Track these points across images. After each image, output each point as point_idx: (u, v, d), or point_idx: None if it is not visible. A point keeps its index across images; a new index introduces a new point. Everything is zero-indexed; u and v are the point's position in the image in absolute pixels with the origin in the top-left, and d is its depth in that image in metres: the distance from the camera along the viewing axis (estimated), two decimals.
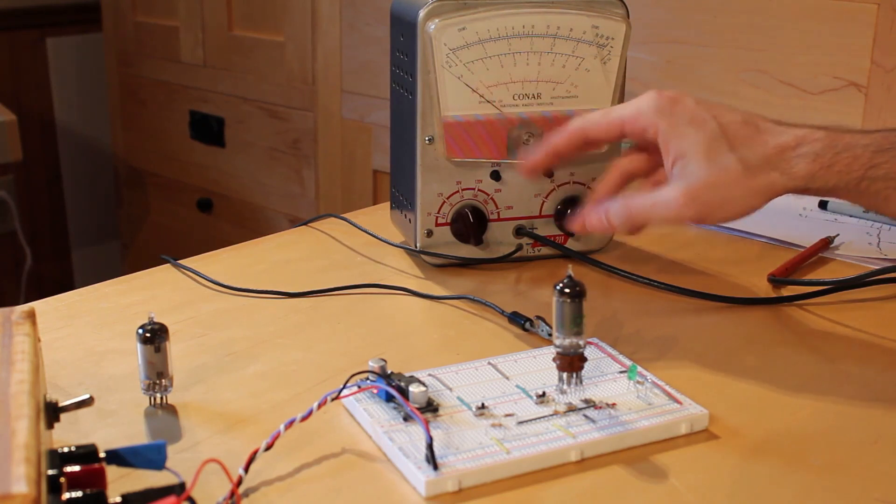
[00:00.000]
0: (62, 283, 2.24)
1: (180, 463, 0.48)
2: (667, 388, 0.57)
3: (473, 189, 0.78)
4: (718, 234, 0.89)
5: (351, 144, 1.55)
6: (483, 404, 0.55)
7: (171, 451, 0.51)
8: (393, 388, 0.54)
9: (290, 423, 0.51)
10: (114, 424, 0.55)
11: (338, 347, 0.65)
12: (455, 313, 0.72)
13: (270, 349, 0.65)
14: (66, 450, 0.44)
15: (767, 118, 0.64)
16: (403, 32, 0.78)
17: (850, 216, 0.92)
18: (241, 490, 0.48)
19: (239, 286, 0.74)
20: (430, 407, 0.55)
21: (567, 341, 0.54)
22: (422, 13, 0.74)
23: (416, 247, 0.79)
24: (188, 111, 1.84)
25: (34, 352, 0.48)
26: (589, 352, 0.57)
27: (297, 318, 0.70)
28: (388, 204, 0.88)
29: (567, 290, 0.53)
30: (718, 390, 0.60)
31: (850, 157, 0.61)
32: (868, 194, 0.61)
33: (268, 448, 0.50)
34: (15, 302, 1.09)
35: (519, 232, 0.80)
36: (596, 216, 0.66)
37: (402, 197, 0.82)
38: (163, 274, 0.78)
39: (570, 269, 0.54)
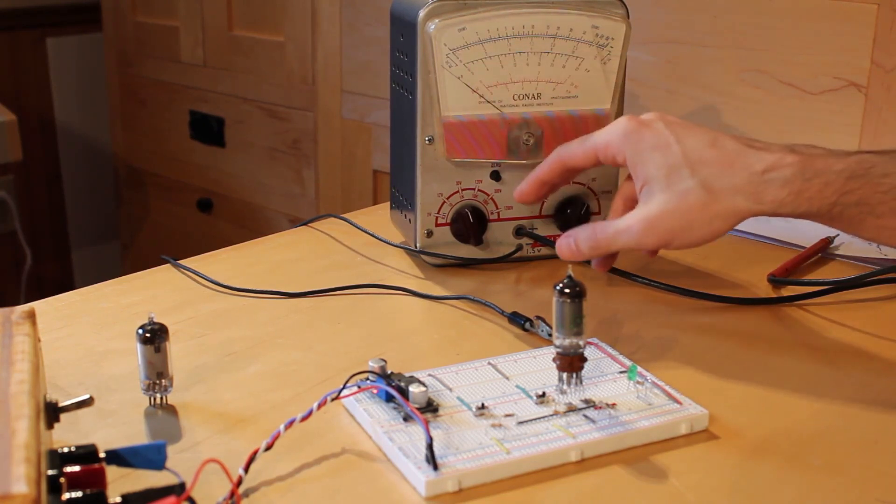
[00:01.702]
0: (62, 283, 2.24)
1: (180, 463, 0.48)
2: (667, 388, 0.57)
3: (473, 189, 0.78)
4: None
5: (351, 144, 1.55)
6: (483, 404, 0.55)
7: (171, 451, 0.51)
8: (393, 388, 0.54)
9: (290, 423, 0.51)
10: (114, 424, 0.55)
11: (338, 347, 0.65)
12: (455, 313, 0.72)
13: (270, 349, 0.65)
14: (66, 450, 0.44)
15: (741, 139, 0.63)
16: (403, 32, 0.78)
17: None
18: (241, 490, 0.48)
19: (239, 286, 0.74)
20: (430, 407, 0.55)
21: (567, 341, 0.54)
22: (422, 13, 0.74)
23: (416, 247, 0.79)
24: (188, 111, 1.83)
25: (34, 352, 0.48)
26: (589, 352, 0.57)
27: (297, 318, 0.70)
28: (388, 204, 0.88)
29: (567, 290, 0.53)
30: (718, 390, 0.60)
31: (821, 183, 0.59)
32: (841, 219, 0.60)
33: (268, 448, 0.50)
34: (15, 302, 1.09)
35: (519, 232, 0.80)
36: (566, 243, 0.66)
37: (402, 197, 0.82)
38: (163, 274, 0.78)
39: (570, 269, 0.54)
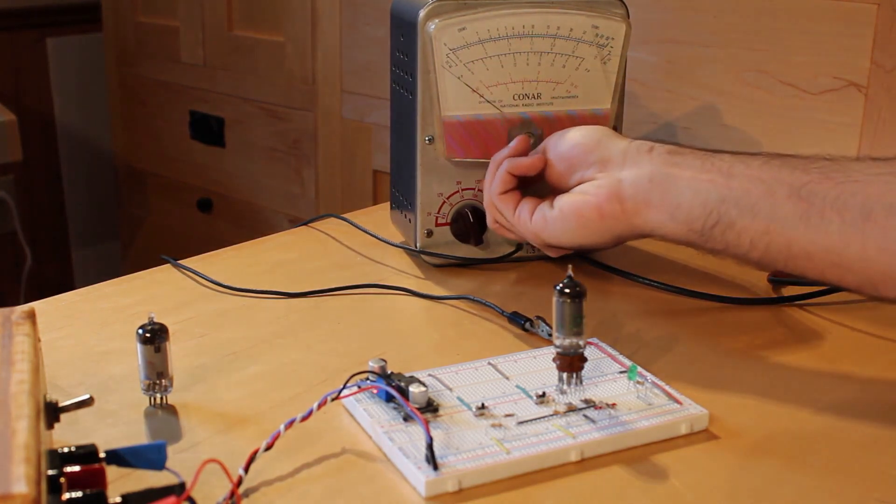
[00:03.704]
0: (62, 283, 2.24)
1: (180, 463, 0.48)
2: (667, 388, 0.57)
3: (473, 189, 0.78)
4: None
5: (351, 144, 1.55)
6: (483, 404, 0.55)
7: (171, 451, 0.51)
8: (393, 388, 0.54)
9: (290, 423, 0.51)
10: (114, 424, 0.55)
11: (338, 347, 0.65)
12: (455, 313, 0.72)
13: (270, 349, 0.65)
14: (66, 450, 0.44)
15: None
16: (403, 32, 0.78)
17: None
18: (241, 490, 0.48)
19: (239, 286, 0.74)
20: (430, 407, 0.55)
21: (567, 341, 0.54)
22: (422, 13, 0.74)
23: (416, 247, 0.79)
24: (188, 111, 1.83)
25: (34, 352, 0.48)
26: (589, 352, 0.57)
27: (297, 318, 0.70)
28: (388, 204, 0.88)
29: (567, 291, 0.53)
30: (718, 390, 0.60)
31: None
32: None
33: (268, 448, 0.50)
34: (15, 302, 1.09)
35: None
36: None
37: (402, 197, 0.82)
38: (163, 274, 0.78)
39: (570, 270, 0.54)
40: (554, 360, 0.55)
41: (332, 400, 0.53)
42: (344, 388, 0.54)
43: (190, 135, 1.85)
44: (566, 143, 0.70)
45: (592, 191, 0.66)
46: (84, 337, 0.66)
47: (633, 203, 0.65)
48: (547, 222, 0.68)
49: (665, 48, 1.07)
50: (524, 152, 0.73)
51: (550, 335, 0.65)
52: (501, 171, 0.72)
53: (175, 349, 0.59)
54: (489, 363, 0.61)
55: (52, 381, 0.59)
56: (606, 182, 0.66)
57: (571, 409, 0.55)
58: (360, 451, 0.53)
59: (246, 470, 0.48)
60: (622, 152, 0.67)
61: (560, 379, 0.55)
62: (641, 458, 0.52)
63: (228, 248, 0.85)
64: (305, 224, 0.91)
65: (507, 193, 0.72)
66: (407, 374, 0.57)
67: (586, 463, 0.52)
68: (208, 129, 1.81)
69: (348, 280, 0.76)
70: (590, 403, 0.56)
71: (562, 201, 0.68)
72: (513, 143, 0.73)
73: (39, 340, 0.52)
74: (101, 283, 0.76)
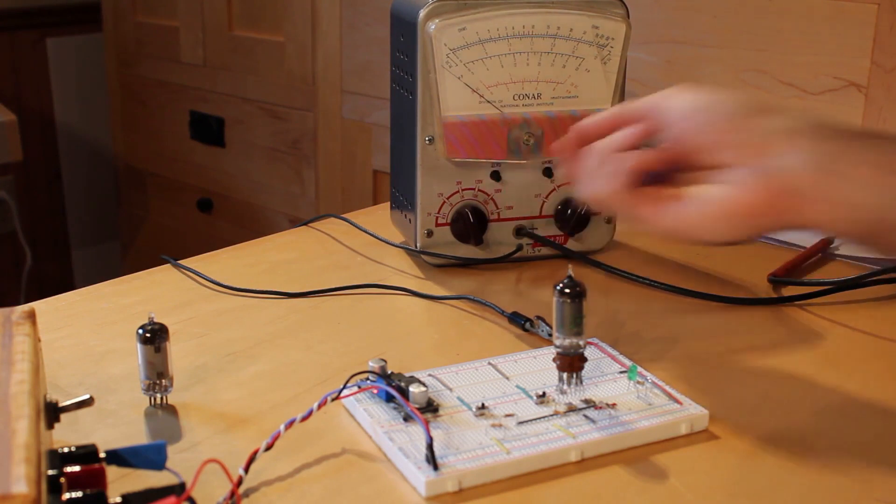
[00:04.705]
0: (62, 283, 2.24)
1: (180, 463, 0.48)
2: (667, 388, 0.57)
3: (473, 189, 0.78)
4: None
5: (351, 144, 1.55)
6: (483, 404, 0.55)
7: (171, 451, 0.51)
8: (393, 388, 0.54)
9: (290, 423, 0.51)
10: (114, 424, 0.55)
11: (338, 347, 0.65)
12: (455, 313, 0.72)
13: (270, 349, 0.65)
14: (66, 450, 0.44)
15: None
16: (403, 32, 0.78)
17: None
18: (241, 490, 0.48)
19: (239, 286, 0.74)
20: (430, 407, 0.55)
21: (567, 341, 0.54)
22: (422, 13, 0.74)
23: (416, 247, 0.79)
24: (188, 111, 1.84)
25: (34, 352, 0.48)
26: (589, 352, 0.57)
27: (297, 318, 0.70)
28: (388, 204, 0.88)
29: (567, 291, 0.53)
30: (718, 390, 0.60)
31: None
32: None
33: (268, 448, 0.50)
34: (15, 302, 1.09)
35: (519, 232, 0.80)
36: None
37: (402, 197, 0.82)
38: (163, 274, 0.78)
39: (570, 270, 0.54)
40: (554, 360, 0.55)
41: (332, 400, 0.53)
42: (344, 388, 0.54)
43: (190, 135, 1.85)
44: (690, 122, 0.58)
45: (739, 182, 0.56)
46: (84, 337, 0.66)
47: (790, 199, 0.54)
48: (685, 217, 0.57)
49: (665, 48, 1.07)
50: (636, 145, 0.60)
51: (550, 335, 0.65)
52: (624, 169, 0.59)
53: (175, 349, 0.59)
54: (489, 363, 0.61)
55: (52, 381, 0.59)
56: (755, 172, 0.55)
57: (571, 409, 0.55)
58: (360, 451, 0.53)
59: (246, 470, 0.48)
60: (771, 134, 0.56)
61: (560, 379, 0.55)
62: (641, 458, 0.52)
63: (228, 248, 0.85)
64: (305, 224, 0.91)
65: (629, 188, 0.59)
66: (407, 374, 0.57)
67: (586, 463, 0.52)
68: (208, 129, 1.81)
69: (348, 280, 0.76)
70: (590, 403, 0.56)
71: (707, 194, 0.57)
72: (624, 137, 0.60)
73: (39, 340, 0.52)
74: (101, 283, 0.76)
